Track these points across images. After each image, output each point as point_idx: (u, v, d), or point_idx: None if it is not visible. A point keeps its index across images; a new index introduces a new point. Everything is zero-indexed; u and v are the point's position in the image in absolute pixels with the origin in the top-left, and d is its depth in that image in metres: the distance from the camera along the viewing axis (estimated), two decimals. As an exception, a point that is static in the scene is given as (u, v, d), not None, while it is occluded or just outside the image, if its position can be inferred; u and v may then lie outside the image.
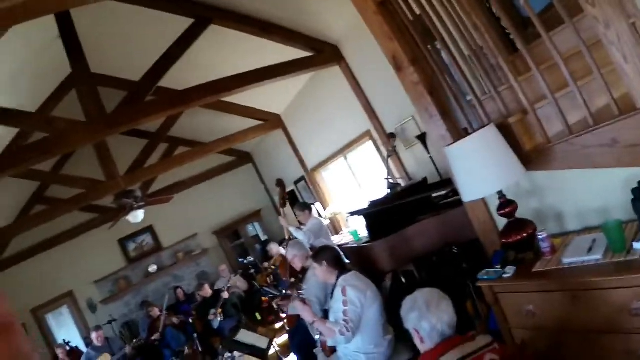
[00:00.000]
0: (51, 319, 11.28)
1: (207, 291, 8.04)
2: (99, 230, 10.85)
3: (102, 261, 11.12)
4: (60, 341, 10.01)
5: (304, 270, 4.47)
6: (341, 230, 8.49)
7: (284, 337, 6.80)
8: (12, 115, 6.77)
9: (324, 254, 3.68)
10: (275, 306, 5.06)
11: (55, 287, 11.00)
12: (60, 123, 6.60)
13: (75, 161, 10.24)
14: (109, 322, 9.82)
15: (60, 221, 10.00)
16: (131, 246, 11.41)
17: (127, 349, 7.64)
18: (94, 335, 7.79)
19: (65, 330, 11.19)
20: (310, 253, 4.50)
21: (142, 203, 7.46)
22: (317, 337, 3.61)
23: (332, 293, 3.61)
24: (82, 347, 10.06)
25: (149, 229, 11.42)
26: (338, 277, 3.53)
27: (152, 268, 11.19)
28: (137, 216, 7.59)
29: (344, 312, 3.28)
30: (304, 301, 3.58)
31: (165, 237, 11.57)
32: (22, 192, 10.27)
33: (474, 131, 3.06)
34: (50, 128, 6.62)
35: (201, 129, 10.41)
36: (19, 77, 7.12)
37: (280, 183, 6.58)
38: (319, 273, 3.66)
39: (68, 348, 9.17)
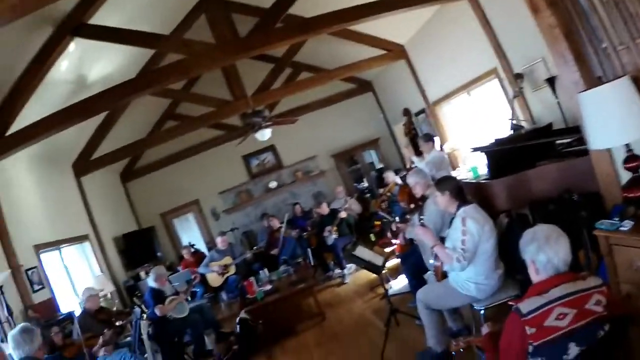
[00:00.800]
0: (178, 224, 12.72)
1: (325, 209, 8.68)
2: (225, 146, 11.93)
3: (226, 175, 12.29)
4: (185, 243, 11.33)
5: (424, 198, 4.73)
6: (458, 166, 8.63)
7: (393, 262, 7.21)
8: (150, 38, 7.39)
9: (447, 183, 3.88)
10: (393, 229, 5.42)
11: (183, 195, 12.35)
12: (196, 46, 7.20)
13: (204, 82, 11.14)
14: (232, 230, 10.98)
15: (190, 136, 11.05)
16: (254, 162, 12.43)
17: (248, 255, 8.63)
18: (218, 240, 8.85)
19: (190, 234, 12.59)
20: (432, 182, 4.73)
21: (269, 123, 8.02)
22: (431, 261, 3.95)
23: (450, 222, 3.85)
24: (204, 251, 11.30)
25: (271, 148, 12.33)
26: (458, 208, 3.75)
27: (272, 184, 12.21)
28: (264, 134, 8.21)
29: (462, 242, 3.56)
30: (424, 225, 3.89)
31: (286, 156, 12.47)
32: (155, 109, 11.44)
33: (608, 81, 3.11)
34: (186, 50, 7.17)
35: (324, 56, 10.80)
36: (156, 3, 7.85)
37: (407, 112, 6.76)
38: (440, 201, 3.88)
39: (192, 250, 10.33)
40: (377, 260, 4.88)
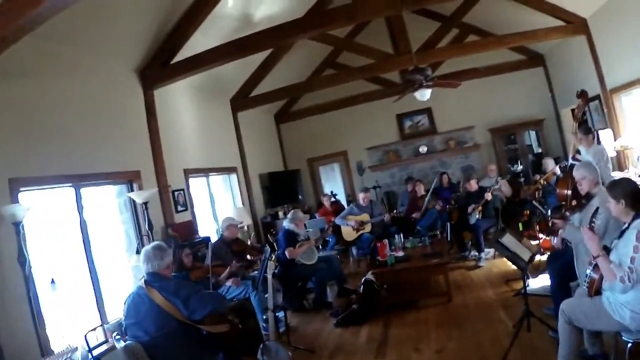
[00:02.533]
0: (322, 171, 12.86)
1: (474, 186, 8.04)
2: (380, 102, 11.55)
3: (377, 131, 12.00)
4: (327, 191, 11.38)
5: (588, 196, 4.08)
6: (626, 167, 7.49)
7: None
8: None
9: (623, 189, 3.19)
10: (547, 223, 4.77)
11: (332, 145, 12.40)
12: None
13: (367, 33, 10.86)
14: (374, 188, 10.75)
15: (347, 87, 10.82)
16: (407, 123, 11.94)
17: (386, 217, 8.34)
18: (360, 195, 8.71)
19: (332, 183, 12.72)
20: (600, 180, 4.07)
21: (431, 83, 7.51)
22: (588, 271, 3.34)
23: (621, 233, 3.23)
24: (344, 203, 11.28)
25: (427, 111, 11.71)
26: (634, 219, 3.12)
27: (422, 149, 11.68)
28: (424, 94, 7.72)
29: (632, 259, 2.94)
30: (592, 230, 3.30)
31: (441, 122, 11.76)
32: (316, 55, 11.40)
33: None
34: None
35: (495, 20, 9.88)
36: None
37: (583, 95, 5.89)
38: (612, 208, 3.26)
39: (333, 199, 10.27)
40: (524, 254, 4.32)
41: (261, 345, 4.37)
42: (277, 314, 5.26)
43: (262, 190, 10.76)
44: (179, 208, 7.29)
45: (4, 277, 4.31)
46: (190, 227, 7.18)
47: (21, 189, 4.72)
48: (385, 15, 7.80)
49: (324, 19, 6.64)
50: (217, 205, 8.94)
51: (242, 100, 10.17)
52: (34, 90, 5.01)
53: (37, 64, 5.08)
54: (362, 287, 6.10)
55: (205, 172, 8.62)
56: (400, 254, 6.62)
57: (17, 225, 4.28)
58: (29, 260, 4.42)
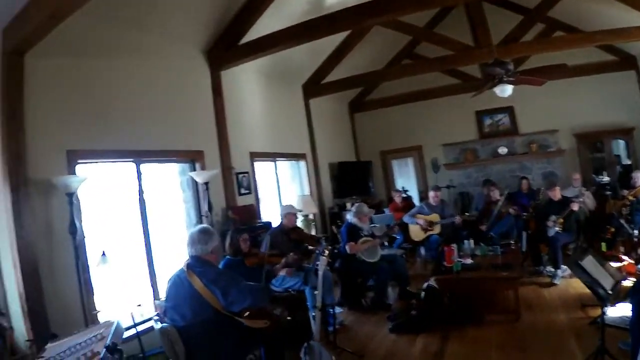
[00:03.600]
0: (395, 165, 12.41)
1: (557, 194, 7.21)
2: (458, 97, 10.82)
3: (454, 128, 11.38)
4: (398, 187, 11.01)
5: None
6: None
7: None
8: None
9: None
10: (636, 244, 4.14)
11: (407, 138, 11.92)
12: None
13: (446, 24, 10.29)
14: (447, 187, 10.29)
15: (424, 79, 10.41)
16: (487, 121, 11.20)
17: (457, 219, 7.83)
18: (431, 194, 8.24)
19: (405, 179, 12.22)
20: None
21: (512, 78, 6.92)
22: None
23: None
24: (415, 199, 10.85)
25: (509, 110, 10.90)
26: None
27: (502, 150, 10.89)
28: (505, 90, 7.14)
29: None
30: None
31: (524, 122, 10.91)
32: (393, 44, 10.90)
33: None
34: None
35: (584, 15, 8.87)
36: None
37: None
38: None
39: (403, 195, 9.87)
40: (607, 281, 3.68)
41: (305, 344, 4.08)
42: (330, 311, 5.03)
43: (331, 180, 10.51)
44: (242, 191, 7.15)
45: (56, 246, 4.37)
46: (252, 211, 7.02)
47: (79, 161, 4.79)
48: (463, 1, 7.27)
49: (397, 3, 6.15)
50: (283, 191, 8.73)
51: (314, 87, 9.92)
52: (100, 70, 5.13)
53: (103, 46, 5.18)
54: (423, 293, 5.69)
55: (272, 156, 8.47)
56: (469, 261, 6.08)
57: (70, 195, 4.29)
58: (79, 231, 4.46)
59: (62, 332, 3.39)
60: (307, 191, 9.29)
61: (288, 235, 6.04)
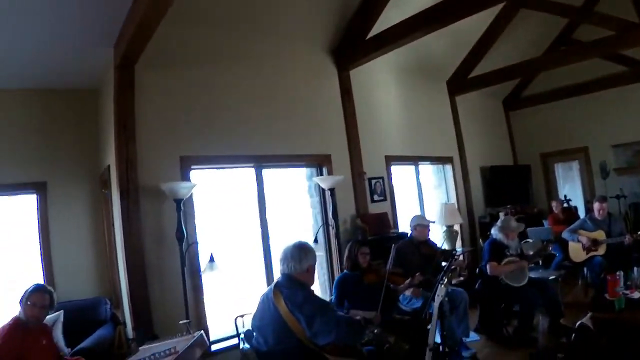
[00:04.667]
0: (559, 170, 11.01)
1: None
2: (629, 87, 9.26)
3: (626, 125, 9.60)
4: (561, 195, 9.74)
5: None
6: None
7: None
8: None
9: None
10: None
11: (571, 139, 10.42)
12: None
13: (606, 2, 8.61)
14: (617, 197, 8.79)
15: (586, 69, 9.05)
16: None
17: (627, 238, 6.21)
18: (596, 206, 6.64)
19: (570, 186, 10.76)
20: None
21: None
22: None
23: None
24: (581, 210, 9.39)
25: None
26: None
27: (686, 152, 8.89)
28: None
29: None
30: None
31: None
32: (547, 30, 9.64)
33: None
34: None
35: None
36: None
37: None
38: None
39: (565, 205, 8.57)
40: None
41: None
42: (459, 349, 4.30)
43: (482, 186, 9.56)
44: (376, 198, 6.64)
45: (164, 251, 4.42)
46: (384, 219, 6.46)
47: (193, 167, 4.80)
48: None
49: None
50: (426, 198, 8.01)
51: (459, 83, 9.07)
52: (215, 76, 5.17)
53: (217, 52, 5.26)
54: (574, 333, 4.57)
55: (413, 160, 7.85)
56: (636, 295, 4.74)
57: (178, 202, 4.26)
58: (189, 237, 4.43)
59: (165, 336, 3.34)
60: (453, 198, 8.50)
61: (419, 250, 5.32)
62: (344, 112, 6.54)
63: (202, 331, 3.04)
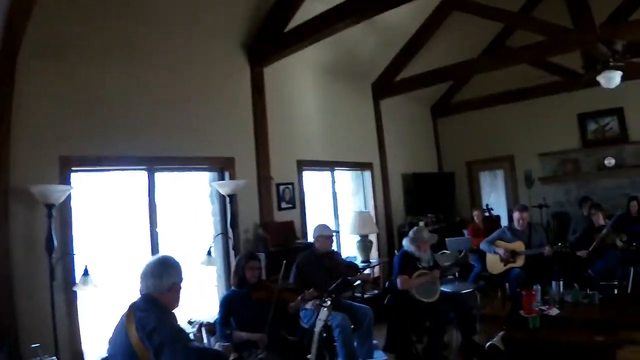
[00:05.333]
0: (485, 178, 11.23)
1: None
2: (558, 97, 9.54)
3: (552, 134, 9.92)
4: (485, 203, 9.87)
5: None
6: None
7: None
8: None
9: None
10: None
11: (496, 147, 10.67)
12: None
13: (545, 7, 9.07)
14: (540, 206, 9.08)
15: (516, 77, 9.30)
16: (591, 126, 9.64)
17: (546, 250, 6.26)
18: (516, 215, 6.71)
19: (495, 194, 11.00)
20: None
21: (621, 64, 5.65)
22: None
23: None
24: (504, 220, 9.65)
25: (618, 112, 9.32)
26: None
27: (609, 161, 9.27)
28: (612, 78, 5.95)
29: None
30: None
31: (636, 127, 9.21)
32: (480, 35, 9.74)
33: None
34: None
35: None
36: None
37: None
38: None
39: (487, 214, 8.66)
40: None
41: None
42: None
43: (404, 194, 9.60)
44: (284, 205, 6.53)
45: (34, 262, 4.08)
46: (290, 228, 6.33)
47: (74, 169, 4.47)
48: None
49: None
50: (343, 207, 7.91)
51: (386, 86, 9.05)
52: (105, 71, 4.79)
53: (111, 44, 4.85)
54: (485, 355, 4.50)
55: (329, 165, 7.76)
56: (554, 311, 4.66)
57: (49, 207, 3.94)
58: (57, 247, 4.07)
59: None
60: (371, 206, 8.48)
61: (321, 262, 5.14)
62: (253, 112, 6.35)
63: (55, 357, 2.69)
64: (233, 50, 6.21)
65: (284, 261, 4.53)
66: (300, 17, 5.96)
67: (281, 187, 6.47)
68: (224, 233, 5.50)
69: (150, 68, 5.16)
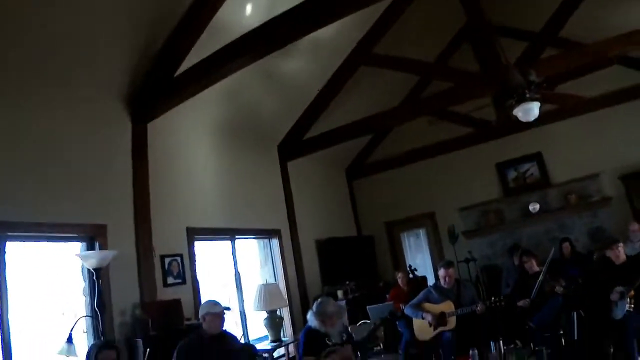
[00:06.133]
0: (407, 238, 10.97)
1: (620, 254, 5.34)
2: (474, 148, 9.71)
3: (472, 186, 9.89)
4: (413, 265, 9.02)
5: None
6: None
7: None
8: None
9: None
10: None
11: (416, 205, 10.49)
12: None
13: (459, 56, 9.35)
14: (466, 261, 8.63)
15: (430, 132, 9.63)
16: (511, 174, 9.68)
17: (479, 307, 5.74)
18: (441, 273, 6.24)
19: (420, 255, 10.73)
20: None
21: (537, 95, 5.44)
22: None
23: None
24: (431, 280, 9.10)
25: (537, 157, 9.41)
26: None
27: (533, 207, 9.21)
28: (529, 110, 5.72)
29: None
30: None
31: (556, 170, 9.29)
32: (393, 90, 9.72)
33: None
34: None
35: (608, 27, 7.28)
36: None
37: None
38: None
39: (411, 276, 8.12)
40: None
41: None
42: None
43: (319, 261, 9.03)
44: (170, 280, 5.75)
45: None
46: (178, 307, 5.47)
47: None
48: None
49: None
50: (248, 280, 7.19)
51: (292, 147, 8.73)
52: None
53: None
54: None
55: (229, 234, 7.08)
56: None
57: None
58: None
59: None
60: (281, 277, 7.80)
61: (210, 348, 4.33)
62: (133, 173, 5.68)
63: None
64: (112, 103, 5.62)
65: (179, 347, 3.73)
66: (189, 63, 5.54)
67: (167, 260, 5.70)
68: (91, 316, 4.60)
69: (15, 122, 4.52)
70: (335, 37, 7.25)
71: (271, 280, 7.52)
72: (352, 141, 9.46)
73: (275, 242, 8.01)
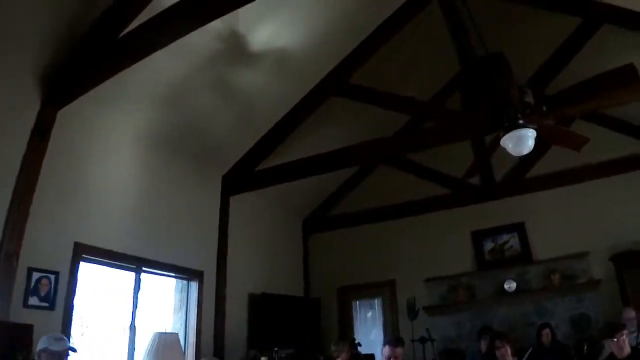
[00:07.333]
0: (358, 308, 10.19)
1: (624, 347, 4.57)
2: (449, 213, 9.18)
3: (443, 255, 9.15)
4: (359, 339, 8.36)
5: None
6: None
7: None
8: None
9: None
10: None
11: (376, 270, 9.73)
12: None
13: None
14: (421, 340, 7.66)
15: (402, 190, 9.47)
16: (487, 245, 8.92)
17: None
18: (385, 351, 5.54)
19: (372, 326, 9.95)
20: None
21: (534, 125, 4.69)
22: None
23: None
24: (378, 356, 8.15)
25: (519, 227, 8.73)
26: None
27: (509, 285, 8.38)
28: (523, 139, 4.73)
29: None
30: None
31: (539, 245, 8.58)
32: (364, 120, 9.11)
33: None
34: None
35: None
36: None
37: None
38: None
39: (354, 351, 7.18)
40: None
41: None
42: None
43: (248, 320, 8.10)
44: (33, 301, 4.73)
45: None
46: (25, 336, 4.41)
47: None
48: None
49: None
50: (152, 324, 6.23)
51: (240, 178, 8.02)
52: None
53: None
54: None
55: (133, 263, 6.13)
56: None
57: None
58: None
59: None
60: (193, 329, 6.83)
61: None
62: (23, 160, 4.89)
63: None
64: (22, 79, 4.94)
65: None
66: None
67: (35, 275, 4.73)
68: None
69: None
70: (309, 56, 6.84)
71: (178, 328, 6.65)
72: (317, 189, 9.21)
73: (194, 285, 7.06)
